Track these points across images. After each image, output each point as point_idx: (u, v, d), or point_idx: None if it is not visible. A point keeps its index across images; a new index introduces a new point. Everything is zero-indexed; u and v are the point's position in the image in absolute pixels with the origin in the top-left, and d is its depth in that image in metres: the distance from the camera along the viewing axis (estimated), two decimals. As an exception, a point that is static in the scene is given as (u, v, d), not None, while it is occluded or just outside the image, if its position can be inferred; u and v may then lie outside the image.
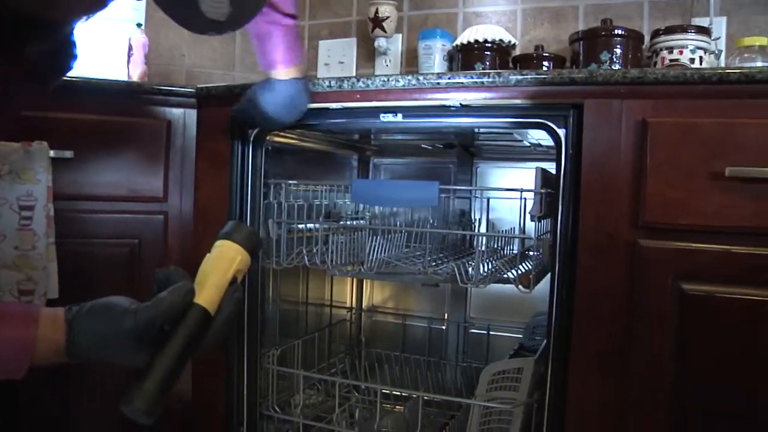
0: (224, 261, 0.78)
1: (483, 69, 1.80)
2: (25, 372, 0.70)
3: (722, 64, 1.64)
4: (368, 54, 2.18)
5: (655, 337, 1.09)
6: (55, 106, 1.35)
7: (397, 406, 1.78)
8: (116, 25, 1.87)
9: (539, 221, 1.33)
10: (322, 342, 1.82)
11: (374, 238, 1.40)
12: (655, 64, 1.64)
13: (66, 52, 0.89)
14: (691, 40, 1.59)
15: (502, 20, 1.98)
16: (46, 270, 1.32)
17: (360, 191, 1.39)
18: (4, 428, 1.39)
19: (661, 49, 1.62)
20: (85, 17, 0.78)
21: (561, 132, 1.16)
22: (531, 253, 1.46)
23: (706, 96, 1.07)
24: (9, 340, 0.70)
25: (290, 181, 1.46)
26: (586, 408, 1.14)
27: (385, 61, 2.12)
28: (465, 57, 1.85)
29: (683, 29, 1.60)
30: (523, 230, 1.28)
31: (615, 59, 1.64)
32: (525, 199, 1.25)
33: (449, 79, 1.24)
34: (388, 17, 2.01)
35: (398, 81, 1.27)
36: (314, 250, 1.41)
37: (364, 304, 2.08)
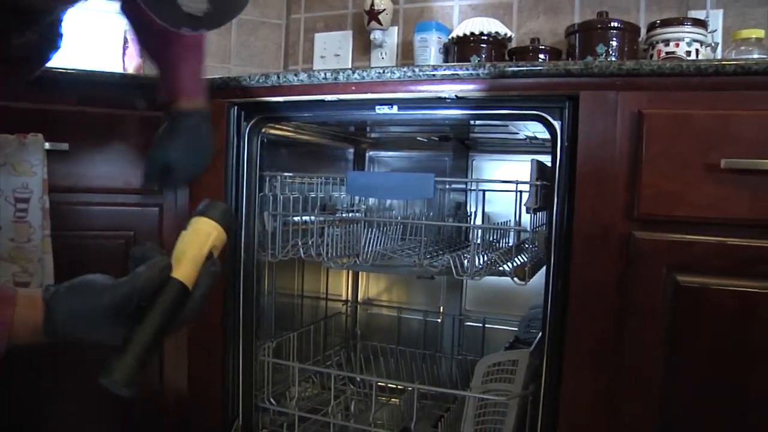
0: (200, 236, 0.78)
1: (479, 62, 1.80)
2: (3, 353, 0.70)
3: (719, 57, 1.64)
4: (364, 47, 2.17)
5: (649, 330, 1.09)
6: (50, 99, 1.34)
7: (393, 399, 1.79)
8: (112, 17, 1.86)
9: (535, 213, 1.33)
10: (317, 335, 1.82)
11: (370, 230, 1.40)
12: (652, 56, 1.64)
13: (49, 43, 0.88)
14: (687, 32, 1.59)
15: (497, 13, 1.97)
16: (41, 262, 1.32)
17: (355, 183, 1.38)
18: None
19: (657, 42, 1.62)
20: (70, 5, 0.77)
21: (556, 124, 1.16)
22: (526, 245, 1.46)
23: (701, 88, 1.07)
24: None
25: (286, 174, 1.46)
26: (579, 401, 1.15)
27: (381, 54, 2.12)
28: (461, 50, 1.85)
29: (679, 22, 1.60)
30: (518, 222, 1.28)
31: (611, 52, 1.64)
32: (521, 191, 1.25)
33: (445, 70, 1.24)
34: (383, 10, 2.01)
35: (394, 73, 1.27)
36: (310, 243, 1.41)
37: (360, 297, 2.09)
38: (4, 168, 1.29)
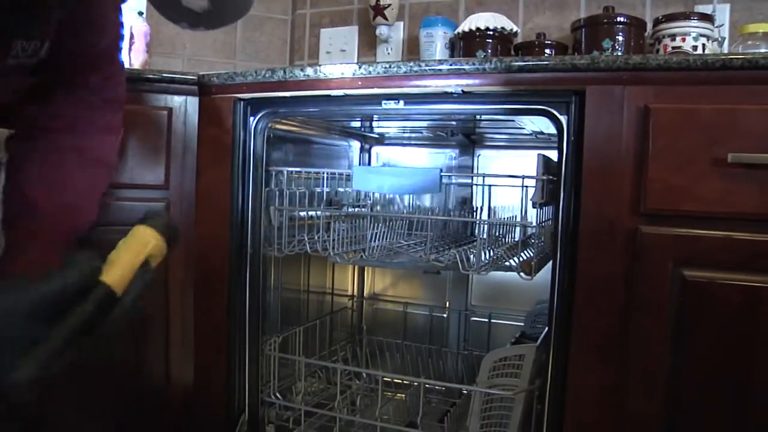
0: (137, 243, 0.75)
1: (485, 57, 1.80)
2: None
3: (725, 51, 1.64)
4: (370, 42, 2.17)
5: (655, 325, 1.09)
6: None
7: (399, 394, 1.79)
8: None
9: (541, 208, 1.33)
10: (323, 330, 1.82)
11: (376, 225, 1.40)
12: (658, 51, 1.63)
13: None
14: (693, 27, 1.58)
15: (503, 8, 1.97)
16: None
17: (361, 178, 1.39)
18: None
19: (663, 37, 1.61)
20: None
21: (563, 119, 1.16)
22: (533, 240, 1.46)
23: (708, 82, 1.07)
24: None
25: (292, 169, 1.46)
26: (585, 396, 1.15)
27: (387, 49, 2.11)
28: (467, 45, 1.85)
29: (686, 16, 1.59)
30: (524, 217, 1.28)
31: (617, 47, 1.63)
32: (527, 186, 1.25)
33: (451, 65, 1.24)
34: (389, 5, 2.00)
35: (400, 68, 1.27)
36: (315, 238, 1.41)
37: (366, 292, 2.09)
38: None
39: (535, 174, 1.24)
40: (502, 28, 1.82)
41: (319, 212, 1.42)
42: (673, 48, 1.59)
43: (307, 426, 1.51)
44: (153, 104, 1.44)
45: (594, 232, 1.12)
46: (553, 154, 1.22)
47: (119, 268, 0.70)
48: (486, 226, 1.49)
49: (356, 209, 1.58)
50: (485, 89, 1.23)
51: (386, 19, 2.01)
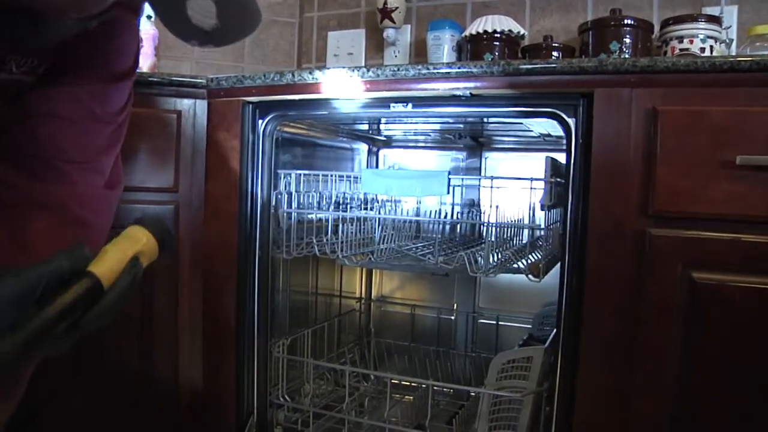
0: (128, 239, 0.75)
1: (492, 59, 1.80)
2: None
3: (733, 53, 1.64)
4: (377, 45, 2.18)
5: (663, 326, 1.09)
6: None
7: (407, 396, 1.79)
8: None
9: (549, 211, 1.33)
10: (331, 332, 1.83)
11: (384, 227, 1.41)
12: (665, 53, 1.63)
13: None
14: (701, 29, 1.58)
15: (510, 11, 1.97)
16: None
17: (369, 180, 1.39)
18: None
19: (671, 39, 1.61)
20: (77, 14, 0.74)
21: (571, 121, 1.16)
22: (540, 242, 1.46)
23: (716, 84, 1.07)
24: None
25: (300, 171, 1.47)
26: (593, 398, 1.15)
27: (394, 52, 2.12)
28: (474, 48, 1.85)
29: (693, 18, 1.59)
30: (532, 220, 1.28)
31: (624, 49, 1.63)
32: (534, 188, 1.25)
33: (459, 68, 1.24)
34: (396, 8, 2.01)
35: (408, 71, 1.28)
36: (324, 240, 1.42)
37: (374, 294, 2.09)
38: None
39: (543, 176, 1.24)
40: (510, 30, 1.82)
41: (327, 215, 1.43)
42: (681, 50, 1.59)
43: (315, 428, 1.51)
44: (162, 107, 1.44)
45: (602, 235, 1.13)
46: (560, 157, 1.22)
47: (107, 261, 0.71)
48: (494, 229, 1.49)
49: (364, 212, 1.59)
50: (493, 92, 1.23)
51: (393, 22, 2.02)
